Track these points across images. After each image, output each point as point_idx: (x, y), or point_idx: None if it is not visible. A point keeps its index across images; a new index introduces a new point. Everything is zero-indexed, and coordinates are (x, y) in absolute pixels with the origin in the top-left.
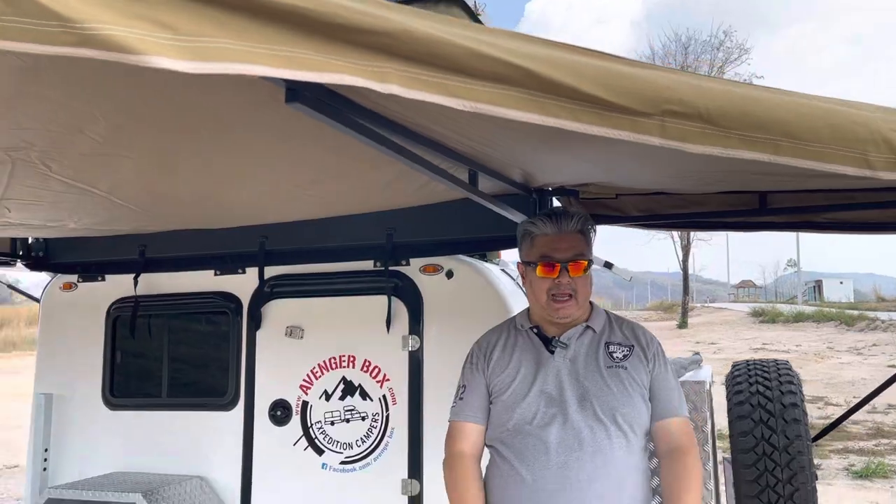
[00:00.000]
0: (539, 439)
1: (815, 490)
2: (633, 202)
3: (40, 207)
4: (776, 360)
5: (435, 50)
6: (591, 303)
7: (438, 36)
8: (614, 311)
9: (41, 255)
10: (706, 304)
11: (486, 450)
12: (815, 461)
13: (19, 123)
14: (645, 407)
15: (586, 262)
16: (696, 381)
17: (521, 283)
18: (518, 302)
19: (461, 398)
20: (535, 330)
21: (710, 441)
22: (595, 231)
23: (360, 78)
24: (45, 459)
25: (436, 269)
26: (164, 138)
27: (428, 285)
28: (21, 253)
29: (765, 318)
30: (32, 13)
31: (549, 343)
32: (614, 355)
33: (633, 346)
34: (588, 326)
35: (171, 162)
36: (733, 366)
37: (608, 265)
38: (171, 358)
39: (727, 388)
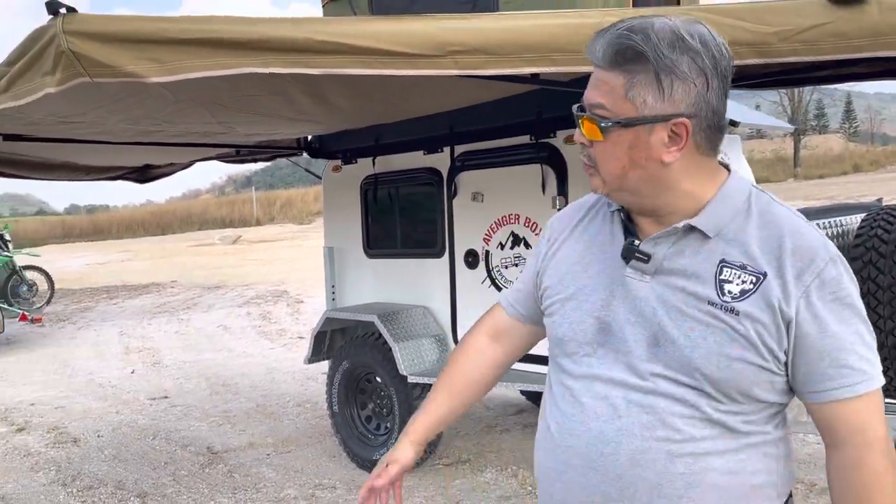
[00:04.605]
0: (574, 387)
1: None
2: None
3: (255, 126)
4: None
5: (292, 44)
6: (727, 180)
7: (293, 35)
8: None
9: (317, 147)
10: None
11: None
12: None
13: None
14: (763, 377)
15: (597, 123)
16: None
17: None
18: None
19: (516, 279)
20: (622, 212)
21: None
22: (662, 67)
23: (252, 67)
24: (334, 292)
25: (570, 138)
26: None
27: (571, 153)
28: (304, 146)
29: None
30: (96, 65)
31: (628, 238)
32: (726, 287)
33: (763, 274)
34: (692, 228)
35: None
36: (868, 212)
37: (733, 123)
38: (400, 219)
39: (855, 234)
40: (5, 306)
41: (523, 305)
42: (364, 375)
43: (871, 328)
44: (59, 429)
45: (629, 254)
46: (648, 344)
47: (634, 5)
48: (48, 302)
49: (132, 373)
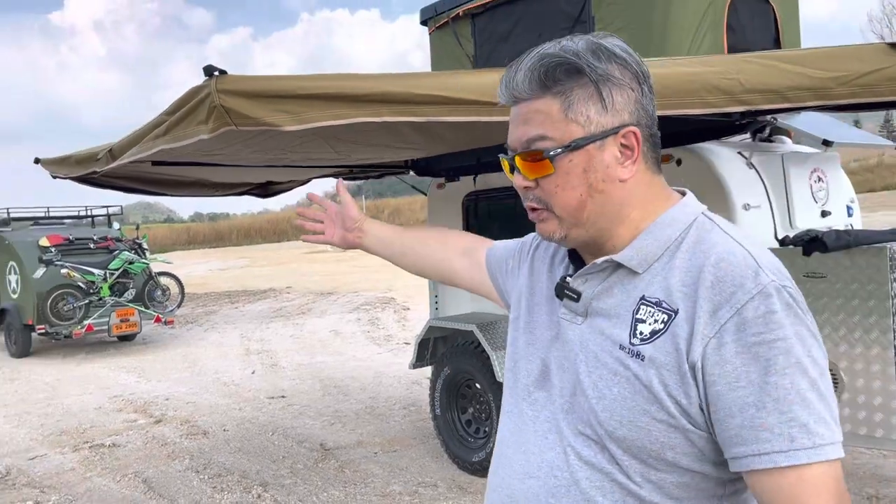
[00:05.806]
0: (504, 433)
1: None
2: None
3: (366, 153)
4: None
5: (400, 97)
6: (670, 209)
7: (399, 90)
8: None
9: (422, 166)
10: None
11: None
12: None
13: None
14: (676, 439)
15: (542, 155)
16: (877, 247)
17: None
18: (747, 187)
19: (504, 244)
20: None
21: (890, 315)
22: (598, 77)
23: (366, 118)
24: (436, 301)
25: (668, 158)
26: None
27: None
28: (410, 165)
29: None
30: (241, 117)
31: (567, 275)
32: (639, 328)
33: (675, 311)
34: (617, 265)
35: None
36: None
37: (826, 143)
38: (499, 232)
39: None
40: (143, 309)
41: (495, 265)
42: (464, 381)
43: (827, 382)
44: (191, 422)
45: (560, 291)
46: (571, 393)
47: (730, 51)
48: (179, 305)
49: (252, 373)
